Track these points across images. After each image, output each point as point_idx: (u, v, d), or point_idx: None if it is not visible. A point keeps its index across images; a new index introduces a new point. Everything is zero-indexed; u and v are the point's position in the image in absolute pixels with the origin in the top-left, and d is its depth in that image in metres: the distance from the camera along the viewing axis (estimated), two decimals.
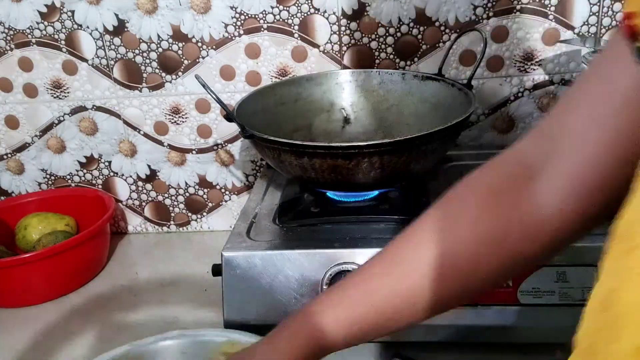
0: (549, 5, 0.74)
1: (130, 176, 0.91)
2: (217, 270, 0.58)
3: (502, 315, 0.54)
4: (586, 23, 0.74)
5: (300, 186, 0.68)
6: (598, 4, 0.73)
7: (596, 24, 0.74)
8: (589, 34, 0.75)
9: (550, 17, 0.75)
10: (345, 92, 0.78)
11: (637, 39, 0.33)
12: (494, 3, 0.75)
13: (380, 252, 0.40)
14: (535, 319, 0.54)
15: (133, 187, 0.92)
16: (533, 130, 0.40)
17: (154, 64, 0.83)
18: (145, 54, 0.82)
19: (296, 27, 0.79)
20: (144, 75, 0.84)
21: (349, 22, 0.78)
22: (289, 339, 0.39)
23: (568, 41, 0.74)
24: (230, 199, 0.92)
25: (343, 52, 0.80)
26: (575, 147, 0.36)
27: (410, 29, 0.77)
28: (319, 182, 0.58)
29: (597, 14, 0.74)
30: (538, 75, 0.78)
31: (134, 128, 0.87)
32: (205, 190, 0.91)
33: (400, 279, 0.38)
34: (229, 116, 0.60)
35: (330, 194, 0.65)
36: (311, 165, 0.55)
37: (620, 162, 0.35)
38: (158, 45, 0.81)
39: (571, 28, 0.75)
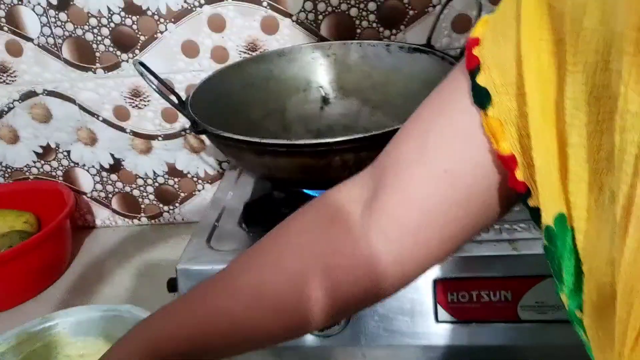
0: None
1: (93, 166, 0.83)
2: (172, 285, 0.51)
3: (501, 334, 0.47)
4: None
5: (272, 182, 0.59)
6: None
7: None
8: None
9: None
10: (323, 67, 0.69)
11: (478, 71, 0.26)
12: None
13: (222, 270, 0.37)
14: (539, 338, 0.46)
15: (97, 178, 0.84)
16: (378, 156, 0.35)
17: (107, 42, 0.73)
18: (96, 30, 0.72)
19: None
20: (97, 54, 0.74)
21: None
22: (129, 346, 0.37)
23: None
24: (203, 188, 0.84)
25: (319, 22, 0.70)
26: (398, 182, 0.31)
27: None
28: (288, 181, 0.50)
29: None
30: None
31: (92, 114, 0.78)
32: (176, 179, 0.83)
33: (224, 306, 0.35)
34: (178, 107, 0.51)
35: (305, 190, 0.56)
36: (276, 165, 0.47)
37: (452, 211, 0.29)
38: (109, 20, 0.72)
39: None
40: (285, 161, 0.46)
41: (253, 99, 0.66)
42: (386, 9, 0.68)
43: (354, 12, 0.69)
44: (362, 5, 0.68)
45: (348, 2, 0.68)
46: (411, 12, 0.68)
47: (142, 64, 0.48)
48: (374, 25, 0.69)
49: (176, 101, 0.52)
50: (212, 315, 0.36)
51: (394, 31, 0.69)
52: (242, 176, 0.67)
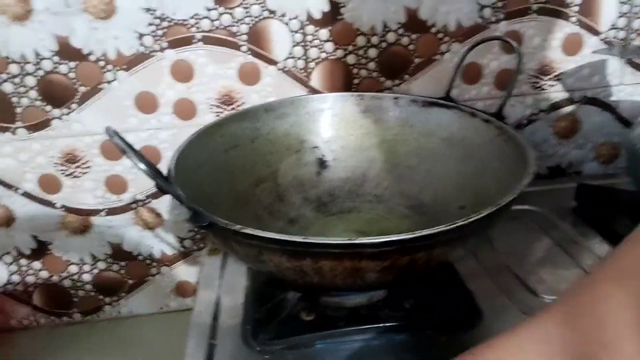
0: (572, 4, 0.58)
1: (8, 253, 0.63)
2: None
3: None
4: (614, 26, 0.60)
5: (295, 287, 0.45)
6: (628, 1, 0.58)
7: (625, 28, 0.60)
8: (617, 40, 0.60)
9: (573, 19, 0.59)
10: (318, 124, 0.57)
11: None
12: (504, 2, 0.57)
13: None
14: None
15: (14, 268, 0.64)
16: None
17: (33, 94, 0.56)
18: (18, 80, 0.55)
19: (244, 37, 0.56)
20: (18, 109, 0.57)
21: (317, 29, 0.57)
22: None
23: (600, 51, 0.58)
24: (159, 272, 0.67)
25: (310, 70, 0.58)
26: None
27: (399, 37, 0.58)
28: (324, 288, 0.37)
29: (627, 14, 0.59)
30: (555, 92, 0.62)
31: (8, 186, 0.60)
32: (123, 263, 0.66)
33: None
34: (163, 188, 0.36)
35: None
36: (316, 270, 0.34)
37: None
38: (37, 67, 0.55)
39: (597, 33, 0.60)
40: (332, 264, 0.33)
41: (239, 164, 0.52)
42: (388, 56, 0.59)
43: (351, 59, 0.58)
44: (360, 52, 0.58)
45: (345, 47, 0.58)
46: (417, 61, 0.59)
47: (118, 134, 0.34)
48: (374, 74, 0.59)
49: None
50: None
51: (397, 81, 0.60)
52: (228, 264, 0.52)
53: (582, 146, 0.65)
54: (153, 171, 0.34)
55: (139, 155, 0.34)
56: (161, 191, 0.37)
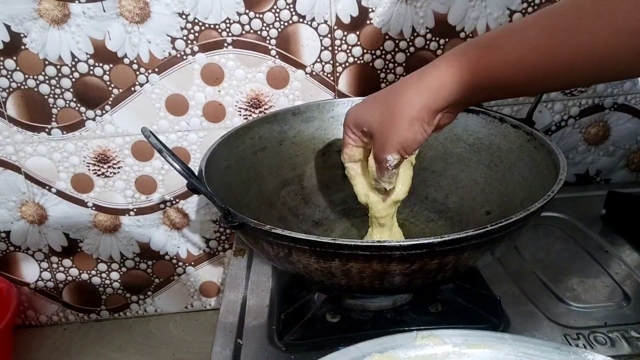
0: None
1: (40, 250, 0.65)
2: None
3: None
4: None
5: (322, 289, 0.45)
6: None
7: None
8: None
9: None
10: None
11: None
12: (534, 7, 0.57)
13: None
14: None
15: (45, 265, 0.66)
16: None
17: (68, 95, 0.58)
18: (54, 82, 0.57)
19: (273, 42, 0.57)
20: (54, 110, 0.58)
21: (345, 33, 0.57)
22: (453, 61, 0.34)
23: None
24: (184, 272, 0.68)
25: (338, 74, 0.59)
26: None
27: (427, 42, 0.58)
28: (351, 290, 0.37)
29: None
30: (585, 98, 0.62)
31: (42, 185, 0.62)
32: (150, 262, 0.67)
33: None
34: (194, 187, 0.37)
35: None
36: (344, 271, 0.34)
37: None
38: (73, 69, 0.57)
39: None
40: (359, 267, 0.33)
41: (266, 166, 0.53)
42: (416, 61, 0.59)
43: (379, 63, 0.59)
44: (389, 56, 0.58)
45: (373, 52, 0.58)
46: None
47: (154, 134, 0.35)
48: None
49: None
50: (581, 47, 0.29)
51: None
52: (254, 265, 0.53)
53: (612, 153, 0.64)
54: (187, 171, 0.34)
55: (174, 155, 0.35)
56: (193, 191, 0.38)
